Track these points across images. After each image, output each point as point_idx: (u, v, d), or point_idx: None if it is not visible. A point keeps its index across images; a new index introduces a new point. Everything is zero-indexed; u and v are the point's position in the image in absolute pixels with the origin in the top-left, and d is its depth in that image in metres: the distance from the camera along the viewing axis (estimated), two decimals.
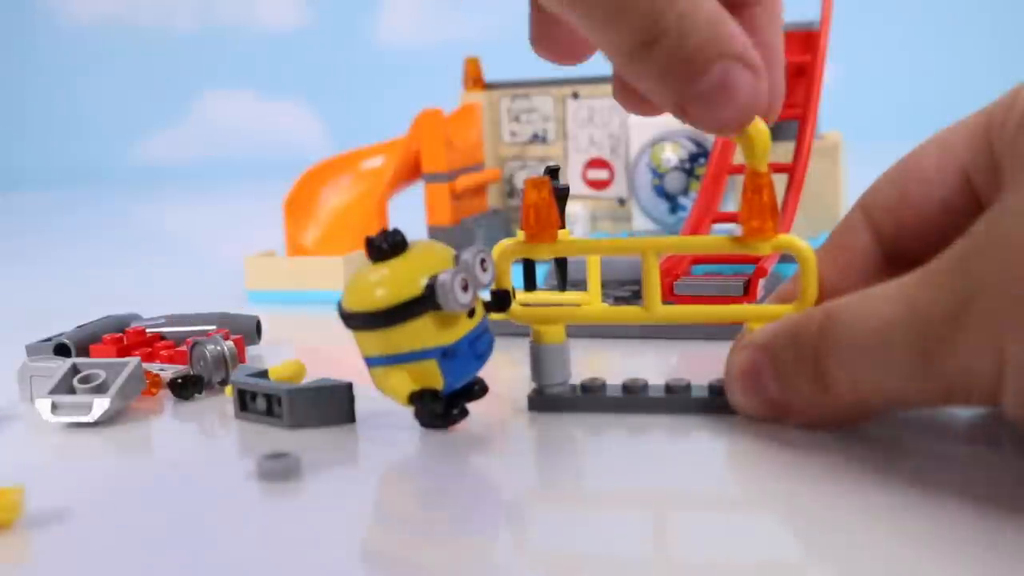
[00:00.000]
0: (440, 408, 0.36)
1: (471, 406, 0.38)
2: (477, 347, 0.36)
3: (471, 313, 0.36)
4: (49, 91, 1.89)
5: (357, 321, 0.36)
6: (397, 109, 0.86)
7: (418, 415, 0.37)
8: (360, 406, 0.39)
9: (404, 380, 0.36)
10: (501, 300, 0.38)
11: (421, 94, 0.87)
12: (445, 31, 1.82)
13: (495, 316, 0.38)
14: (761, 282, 0.48)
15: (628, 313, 0.40)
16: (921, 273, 0.30)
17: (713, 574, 0.27)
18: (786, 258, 0.53)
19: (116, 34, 1.90)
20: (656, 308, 0.38)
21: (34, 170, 1.72)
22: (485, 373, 0.38)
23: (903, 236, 0.36)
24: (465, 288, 0.35)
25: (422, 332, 0.35)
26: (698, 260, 0.50)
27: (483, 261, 0.36)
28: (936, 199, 0.35)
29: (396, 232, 0.35)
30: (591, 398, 0.39)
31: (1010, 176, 0.31)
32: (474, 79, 0.75)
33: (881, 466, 0.32)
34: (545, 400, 0.39)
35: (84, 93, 1.88)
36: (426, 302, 0.34)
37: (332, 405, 0.39)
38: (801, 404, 0.34)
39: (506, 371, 0.44)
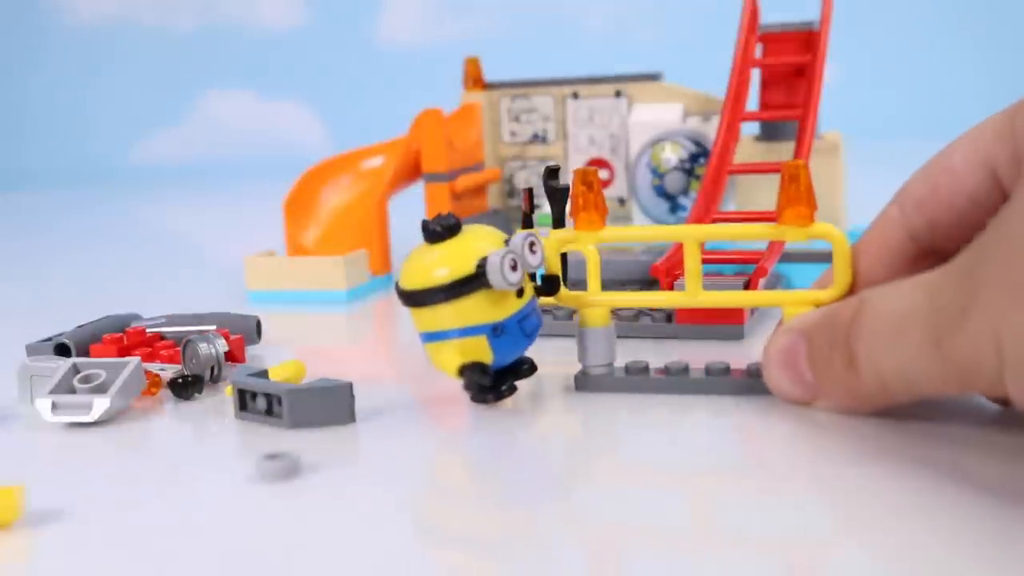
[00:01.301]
0: (488, 381, 0.39)
1: (520, 384, 0.40)
2: (525, 326, 0.39)
3: (520, 293, 0.38)
4: (49, 91, 1.89)
5: (414, 299, 0.38)
6: (397, 109, 0.86)
7: (467, 388, 0.39)
8: (360, 406, 0.39)
9: (454, 355, 0.38)
10: (551, 284, 0.41)
11: (421, 94, 0.88)
12: (445, 31, 1.82)
13: (545, 300, 0.41)
14: (761, 281, 0.48)
15: (672, 298, 0.43)
16: (942, 268, 0.32)
17: (746, 545, 0.28)
18: (786, 258, 0.53)
19: (117, 34, 1.90)
20: (698, 293, 0.40)
21: (35, 170, 1.71)
22: (534, 355, 0.40)
23: (935, 229, 0.37)
24: (514, 268, 0.37)
25: (473, 309, 0.37)
26: None
27: (532, 245, 0.38)
28: (964, 192, 0.36)
29: (450, 216, 0.38)
30: (634, 379, 0.41)
31: None
32: (474, 79, 0.75)
33: (916, 452, 0.34)
34: (590, 380, 0.41)
35: (84, 93, 1.88)
36: (477, 280, 0.37)
37: (332, 405, 0.39)
38: (833, 386, 0.36)
39: (553, 355, 0.45)
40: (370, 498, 0.33)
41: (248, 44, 1.87)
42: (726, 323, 0.48)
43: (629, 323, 0.48)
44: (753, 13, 0.60)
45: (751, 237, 0.42)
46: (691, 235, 0.40)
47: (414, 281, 0.38)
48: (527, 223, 0.42)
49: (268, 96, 1.85)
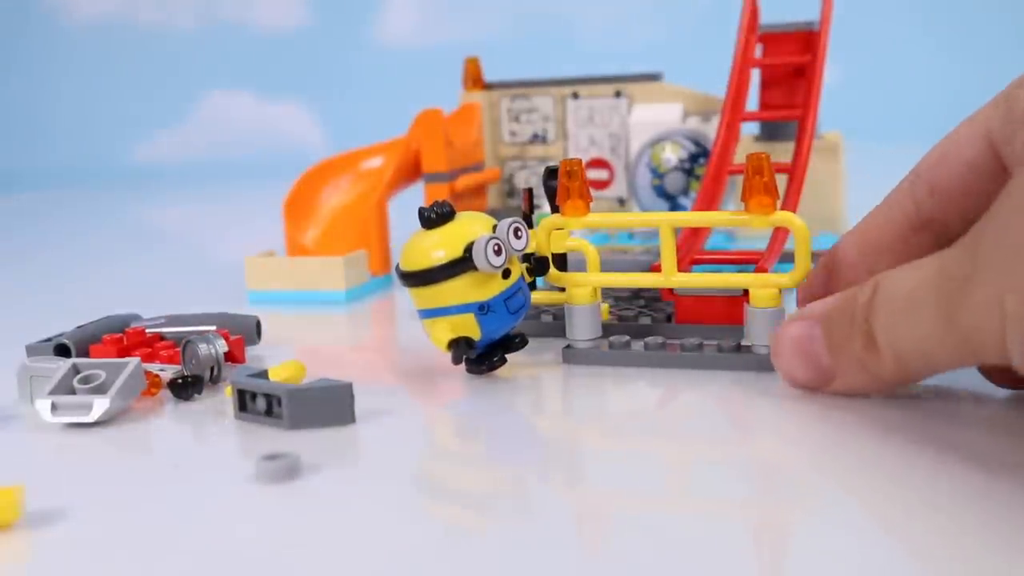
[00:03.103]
0: (473, 354, 0.42)
1: (510, 357, 0.43)
2: (511, 304, 0.42)
3: (506, 275, 0.41)
4: (50, 91, 1.89)
5: (410, 279, 0.41)
6: (397, 109, 0.86)
7: (455, 361, 0.42)
8: (360, 406, 0.39)
9: (445, 330, 0.41)
10: (541, 265, 0.45)
11: (421, 94, 0.87)
12: (445, 31, 1.82)
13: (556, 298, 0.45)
14: None
15: (648, 279, 0.45)
16: (952, 245, 0.34)
17: (722, 506, 0.31)
18: (785, 258, 0.53)
19: (117, 34, 1.90)
20: (673, 275, 0.44)
21: (35, 170, 1.71)
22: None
23: (934, 194, 0.39)
24: (498, 252, 0.40)
25: (462, 289, 0.41)
26: (697, 261, 0.50)
27: (516, 230, 0.41)
28: (963, 160, 0.38)
29: (444, 203, 0.41)
30: (617, 353, 0.44)
31: (1021, 150, 0.34)
32: (474, 79, 0.75)
33: (905, 425, 0.36)
34: (576, 354, 0.45)
35: (84, 93, 1.88)
36: (465, 263, 0.40)
37: (332, 405, 0.39)
38: (851, 368, 0.37)
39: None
40: (370, 498, 0.33)
41: (248, 44, 1.87)
42: (725, 323, 0.48)
43: (629, 323, 0.48)
44: (753, 13, 0.60)
45: (720, 224, 0.46)
46: (666, 220, 0.44)
47: (410, 263, 0.41)
48: (527, 223, 0.42)
49: (268, 96, 1.85)
